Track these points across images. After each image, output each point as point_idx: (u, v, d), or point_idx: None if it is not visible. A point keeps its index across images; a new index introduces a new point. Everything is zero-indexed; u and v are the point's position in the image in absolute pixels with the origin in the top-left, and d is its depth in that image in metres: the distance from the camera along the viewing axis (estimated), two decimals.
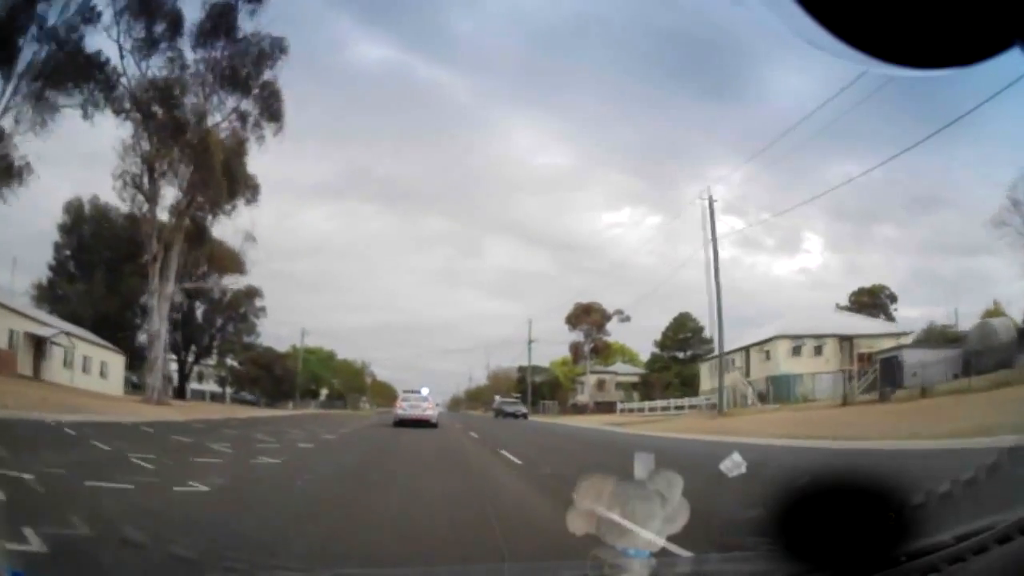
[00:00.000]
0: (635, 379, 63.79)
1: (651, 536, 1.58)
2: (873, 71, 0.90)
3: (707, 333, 56.64)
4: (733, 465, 1.98)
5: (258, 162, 48.73)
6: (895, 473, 1.64)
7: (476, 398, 79.96)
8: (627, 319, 58.87)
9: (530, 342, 63.91)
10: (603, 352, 62.57)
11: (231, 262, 43.47)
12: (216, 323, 50.76)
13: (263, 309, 50.80)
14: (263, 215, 52.56)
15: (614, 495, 1.59)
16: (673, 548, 1.96)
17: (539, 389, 67.18)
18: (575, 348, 61.86)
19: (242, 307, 50.06)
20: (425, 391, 30.39)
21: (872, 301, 53.69)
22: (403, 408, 28.55)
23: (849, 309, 51.84)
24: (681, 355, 62.36)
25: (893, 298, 54.61)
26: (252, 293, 49.81)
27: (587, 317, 59.53)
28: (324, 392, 63.84)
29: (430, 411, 28.11)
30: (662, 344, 63.96)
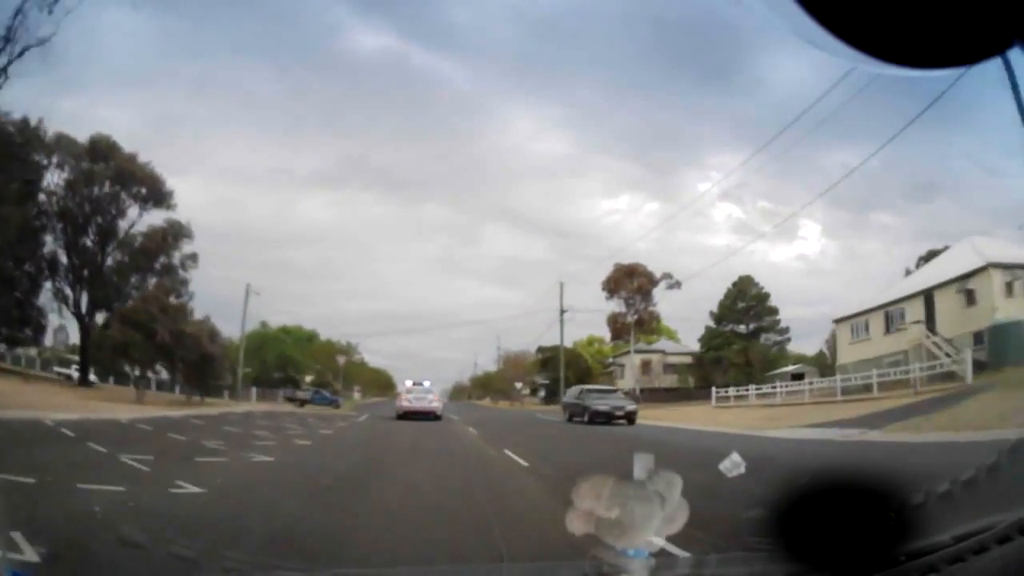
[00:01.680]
0: (687, 359, 50.36)
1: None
2: (873, 71, 0.90)
3: (773, 301, 47.49)
4: (732, 465, 1.98)
5: (253, 150, 48.60)
6: (895, 473, 1.64)
7: (486, 386, 67.68)
8: (676, 285, 46.45)
9: (562, 312, 48.79)
10: (648, 326, 49.90)
11: (148, 184, 33.94)
12: (131, 277, 36.10)
13: (193, 258, 36.72)
14: (259, 205, 51.59)
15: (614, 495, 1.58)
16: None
17: (557, 375, 53.90)
18: (614, 321, 48.97)
19: (166, 254, 36.03)
20: (427, 383, 29.96)
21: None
22: (408, 400, 28.25)
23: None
24: (743, 328, 48.60)
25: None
26: (178, 232, 36.08)
27: (629, 282, 47.28)
28: (308, 379, 52.27)
29: (436, 403, 28.19)
30: (719, 316, 49.19)
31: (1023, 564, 1.31)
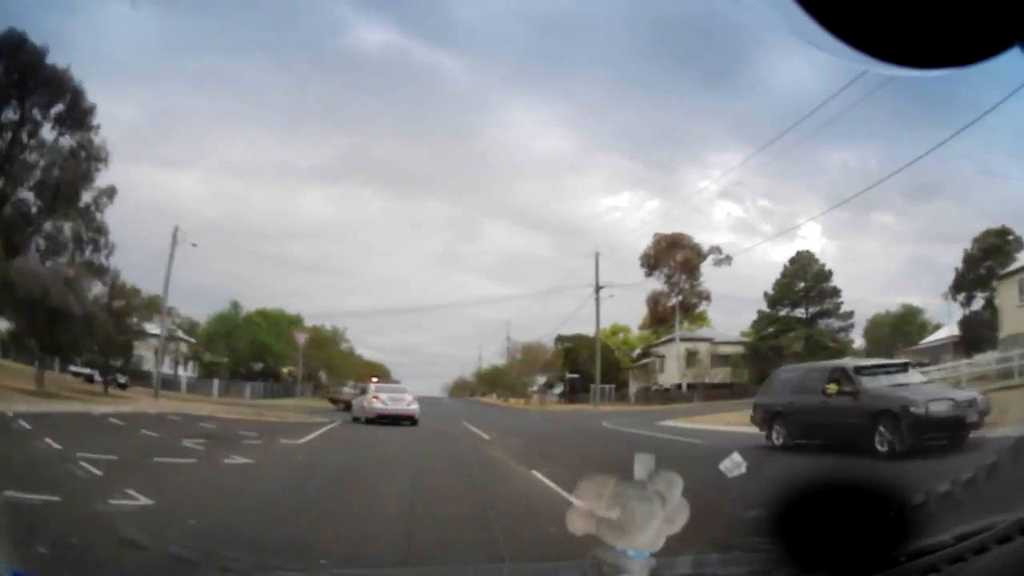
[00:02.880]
0: (738, 349, 41.59)
1: None
2: (873, 71, 0.90)
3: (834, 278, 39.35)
4: (733, 465, 1.98)
5: (254, 145, 48.17)
6: (894, 474, 1.64)
7: (494, 381, 59.13)
8: (726, 260, 39.19)
9: (598, 289, 37.60)
10: (694, 310, 42.46)
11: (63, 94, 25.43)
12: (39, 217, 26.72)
13: (110, 194, 27.41)
14: (259, 200, 50.85)
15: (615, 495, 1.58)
16: None
17: (580, 368, 46.60)
18: (655, 303, 41.69)
19: (78, 180, 26.58)
20: (401, 383, 26.35)
21: (1001, 244, 36.54)
22: (381, 402, 24.32)
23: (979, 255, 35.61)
24: (801, 313, 40.65)
25: (1020, 243, 36.42)
26: (90, 152, 26.71)
27: (671, 256, 39.83)
28: (286, 370, 43.56)
29: (413, 405, 24.54)
30: (775, 298, 40.85)
31: (1023, 564, 1.31)
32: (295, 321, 44.37)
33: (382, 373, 63.26)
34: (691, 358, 40.77)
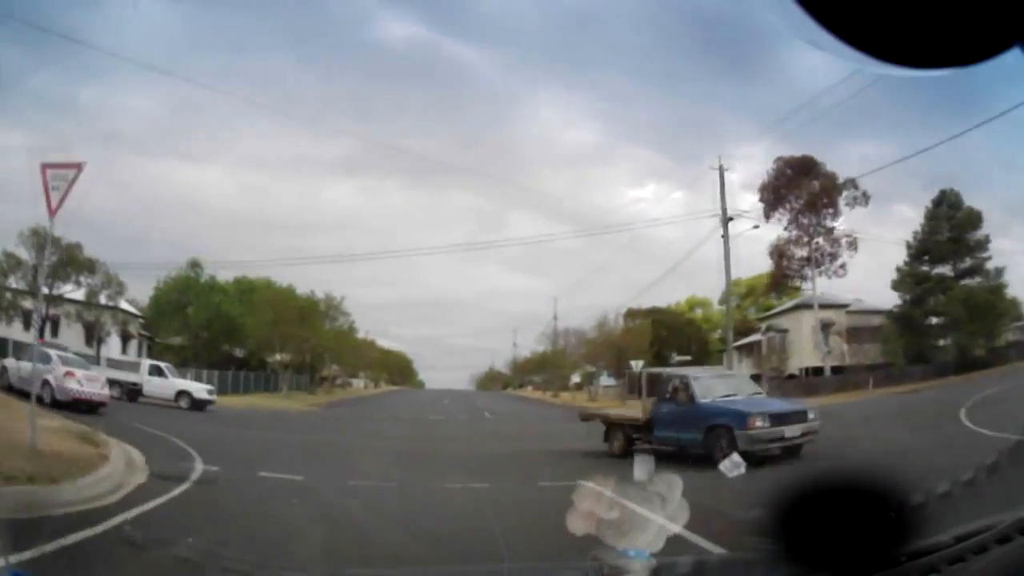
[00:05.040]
0: (873, 320, 30.42)
1: None
2: (874, 71, 0.91)
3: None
4: (732, 466, 1.98)
5: (277, 138, 47.73)
6: (895, 474, 1.64)
7: (539, 368, 47.89)
8: (862, 199, 28.93)
9: (726, 221, 27.32)
10: (832, 263, 30.38)
11: None
12: None
13: None
14: (282, 192, 49.76)
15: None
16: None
17: (659, 344, 35.58)
18: (779, 253, 30.53)
19: None
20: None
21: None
22: (77, 381, 18.45)
23: None
24: (948, 271, 30.00)
25: None
26: None
27: (799, 187, 29.33)
28: (279, 357, 33.01)
29: (106, 390, 19.63)
30: (920, 250, 29.90)
31: (1023, 564, 1.31)
32: (285, 294, 32.68)
33: (402, 365, 60.41)
34: (823, 330, 30.02)
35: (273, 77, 48.14)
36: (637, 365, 30.58)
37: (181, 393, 22.64)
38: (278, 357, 32.69)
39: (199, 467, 9.43)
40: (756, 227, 28.63)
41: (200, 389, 23.33)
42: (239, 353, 33.30)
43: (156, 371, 23.61)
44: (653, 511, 1.59)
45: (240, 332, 31.94)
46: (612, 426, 14.01)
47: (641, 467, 1.65)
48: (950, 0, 0.84)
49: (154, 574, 3.59)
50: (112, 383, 21.66)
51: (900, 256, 30.26)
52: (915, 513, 1.54)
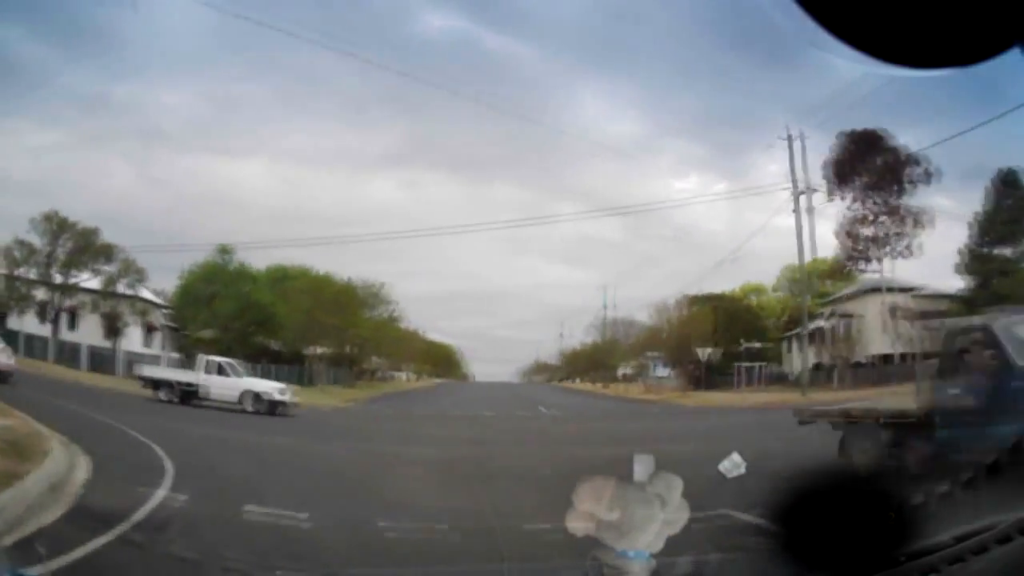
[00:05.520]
0: (944, 303, 27.62)
1: None
2: (874, 71, 0.91)
3: None
4: (732, 466, 1.98)
5: (318, 132, 47.33)
6: (894, 475, 1.64)
7: (589, 359, 44.92)
8: (924, 177, 26.92)
9: (798, 195, 27.82)
10: (902, 242, 27.68)
11: None
12: None
13: None
14: (324, 186, 48.90)
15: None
16: None
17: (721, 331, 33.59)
18: (848, 233, 28.15)
19: None
20: None
21: None
22: None
23: None
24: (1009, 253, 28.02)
25: None
26: None
27: (864, 162, 27.31)
28: (319, 351, 30.47)
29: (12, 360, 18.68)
30: (981, 232, 28.17)
31: (1023, 564, 1.31)
32: (320, 281, 30.13)
33: (448, 358, 59.64)
34: (891, 315, 27.90)
35: (314, 72, 48.11)
36: (704, 352, 30.36)
37: (247, 394, 19.47)
38: (316, 350, 29.94)
39: (160, 494, 6.76)
40: (831, 199, 27.37)
41: (271, 388, 20.01)
42: (275, 346, 30.53)
43: (217, 368, 20.49)
44: (653, 511, 1.59)
45: (273, 323, 29.27)
46: (859, 428, 9.45)
47: (641, 467, 1.64)
48: (950, 0, 0.84)
49: (154, 574, 3.59)
50: (159, 384, 20.11)
51: (948, 239, 28.79)
52: (915, 513, 1.54)
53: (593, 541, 1.61)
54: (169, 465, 8.47)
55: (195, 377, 20.30)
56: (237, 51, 47.61)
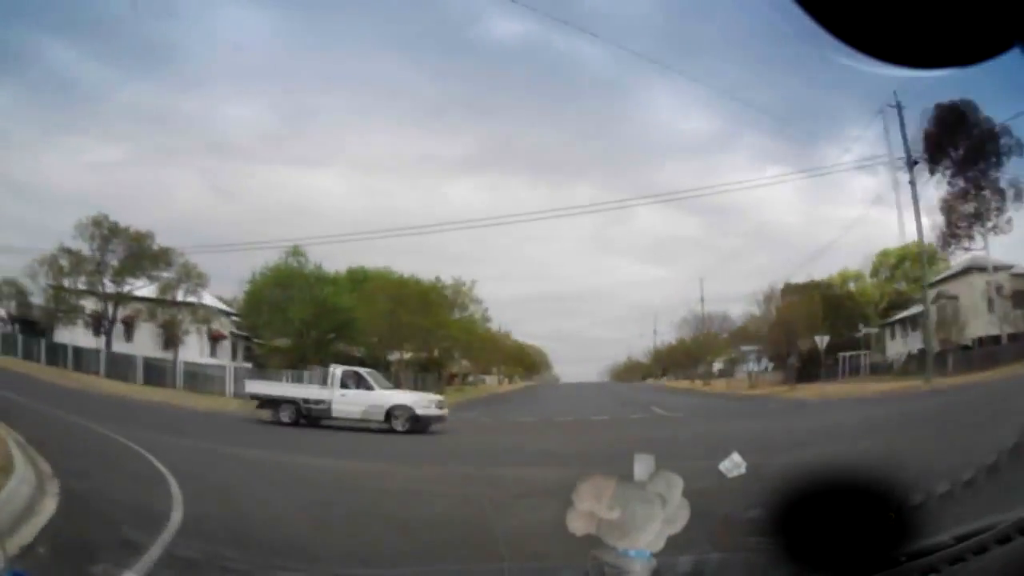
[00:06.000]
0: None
1: None
2: (875, 71, 0.91)
3: None
4: (732, 466, 1.98)
5: (393, 139, 46.75)
6: (895, 473, 1.64)
7: (684, 355, 43.06)
8: (1017, 147, 25.72)
9: (911, 163, 25.99)
10: (989, 219, 26.61)
11: None
12: None
13: None
14: (404, 193, 48.29)
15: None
16: None
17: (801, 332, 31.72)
18: (948, 208, 27.10)
19: None
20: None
21: None
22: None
23: None
24: None
25: None
26: None
27: (957, 136, 25.80)
28: (401, 355, 28.56)
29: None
30: None
31: (1023, 564, 1.31)
32: (404, 281, 27.28)
33: (539, 358, 58.54)
34: (1019, 297, 26.69)
35: (387, 79, 48.28)
36: (823, 340, 28.50)
37: (394, 409, 16.52)
38: (401, 356, 27.63)
39: None
40: (932, 174, 25.79)
41: (423, 401, 17.11)
42: (357, 352, 28.08)
43: (354, 380, 17.69)
44: (653, 511, 1.59)
45: (354, 328, 27.22)
46: None
47: (641, 466, 1.64)
48: (950, 0, 0.84)
49: (154, 574, 3.59)
50: (277, 402, 17.22)
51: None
52: (915, 513, 1.54)
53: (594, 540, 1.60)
54: (174, 509, 6.15)
55: (327, 393, 17.42)
56: (307, 62, 47.85)
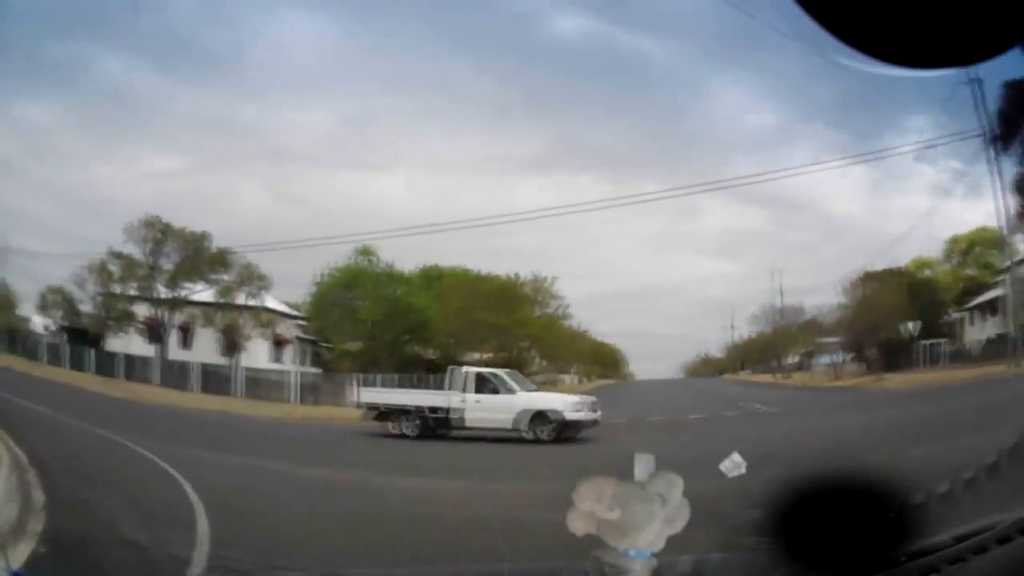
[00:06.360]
0: None
1: None
2: (873, 71, 0.91)
3: None
4: (733, 466, 1.98)
5: (458, 140, 46.49)
6: (895, 473, 1.64)
7: (764, 349, 41.80)
8: None
9: (993, 139, 18.88)
10: None
11: None
12: None
13: None
14: (470, 193, 47.76)
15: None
16: None
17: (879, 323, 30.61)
18: None
19: None
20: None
21: None
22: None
23: None
24: None
25: None
26: None
27: None
28: (478, 355, 26.72)
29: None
30: None
31: (1023, 564, 1.31)
32: (479, 278, 25.67)
33: (615, 356, 56.44)
34: None
35: (450, 80, 48.38)
36: (916, 327, 27.87)
37: (526, 414, 14.67)
38: (478, 355, 25.48)
39: None
40: (1005, 152, 24.27)
41: (572, 404, 15.17)
42: (432, 354, 26.48)
43: (484, 384, 15.72)
44: (654, 510, 1.59)
45: (428, 329, 25.54)
46: None
47: (641, 466, 1.64)
48: (950, 0, 0.85)
49: (154, 574, 3.59)
50: (393, 412, 15.33)
51: None
52: (915, 513, 1.54)
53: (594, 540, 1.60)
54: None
55: (452, 399, 15.52)
56: (368, 65, 47.88)
